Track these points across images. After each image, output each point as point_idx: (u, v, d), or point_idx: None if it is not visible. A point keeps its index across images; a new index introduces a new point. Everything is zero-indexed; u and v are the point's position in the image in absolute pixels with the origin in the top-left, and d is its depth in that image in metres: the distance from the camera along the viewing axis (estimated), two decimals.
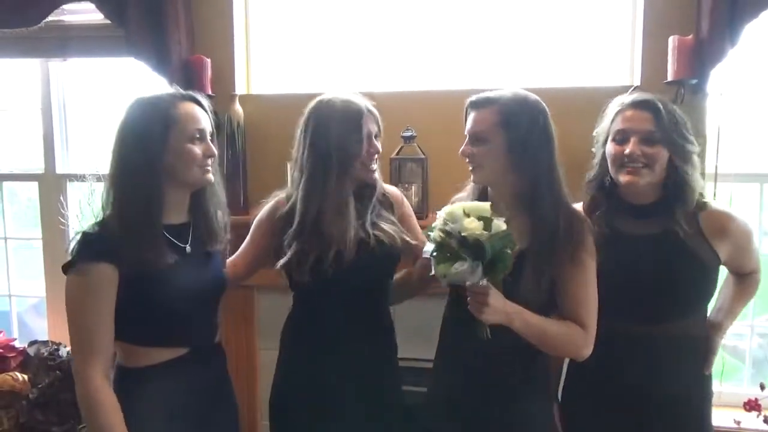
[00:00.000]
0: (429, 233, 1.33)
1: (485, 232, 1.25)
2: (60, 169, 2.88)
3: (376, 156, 1.58)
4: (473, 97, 1.49)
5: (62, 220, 2.74)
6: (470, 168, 1.49)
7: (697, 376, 1.55)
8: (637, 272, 1.49)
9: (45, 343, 2.75)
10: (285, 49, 2.69)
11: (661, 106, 1.48)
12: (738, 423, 2.16)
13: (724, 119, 2.25)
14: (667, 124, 1.46)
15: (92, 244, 1.33)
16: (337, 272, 1.53)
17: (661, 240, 1.50)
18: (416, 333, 1.89)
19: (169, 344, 1.43)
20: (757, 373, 2.56)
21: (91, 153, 2.90)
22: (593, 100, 1.76)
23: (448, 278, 1.29)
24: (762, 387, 2.13)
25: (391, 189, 1.76)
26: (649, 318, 1.50)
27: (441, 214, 1.33)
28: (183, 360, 1.44)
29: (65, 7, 2.53)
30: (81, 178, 2.66)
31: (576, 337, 1.38)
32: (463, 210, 1.30)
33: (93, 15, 2.54)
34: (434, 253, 1.31)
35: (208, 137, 1.46)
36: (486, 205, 1.31)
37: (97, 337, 1.32)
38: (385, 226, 1.60)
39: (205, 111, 1.47)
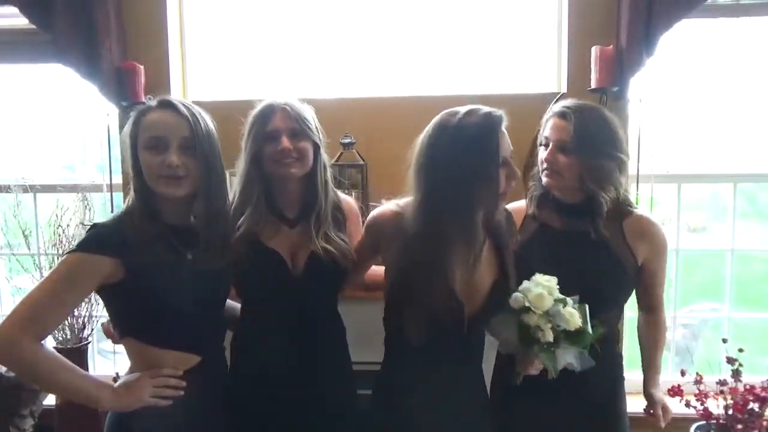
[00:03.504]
0: (526, 326, 1.43)
1: (579, 322, 1.41)
2: None
3: (287, 152, 1.52)
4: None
5: None
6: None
7: (612, 364, 1.66)
8: (560, 265, 1.57)
9: None
10: (222, 55, 2.67)
11: (577, 119, 1.55)
12: None
13: (643, 124, 2.40)
14: (580, 137, 1.54)
15: (100, 236, 1.34)
16: (285, 282, 1.55)
17: (582, 237, 1.59)
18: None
19: (174, 345, 1.41)
20: (681, 361, 2.73)
21: (16, 163, 2.78)
22: (523, 106, 1.84)
23: (553, 367, 1.42)
24: (683, 373, 2.26)
25: (348, 202, 1.74)
26: None
27: (528, 300, 1.42)
28: (195, 370, 1.43)
29: None
30: (6, 189, 2.55)
31: None
32: (546, 290, 1.42)
33: (17, 19, 2.44)
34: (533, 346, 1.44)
35: (173, 146, 1.34)
36: (554, 282, 1.44)
37: (44, 316, 1.30)
38: (338, 241, 1.60)
39: (184, 117, 1.36)
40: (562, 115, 1.59)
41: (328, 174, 1.64)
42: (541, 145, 1.64)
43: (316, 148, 1.59)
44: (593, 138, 1.55)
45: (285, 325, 1.58)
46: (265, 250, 1.56)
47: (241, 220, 1.56)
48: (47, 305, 1.30)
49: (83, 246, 1.33)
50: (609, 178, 1.56)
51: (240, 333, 1.67)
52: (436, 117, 1.41)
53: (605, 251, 1.58)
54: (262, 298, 1.61)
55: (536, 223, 1.66)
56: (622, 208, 1.62)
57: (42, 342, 1.31)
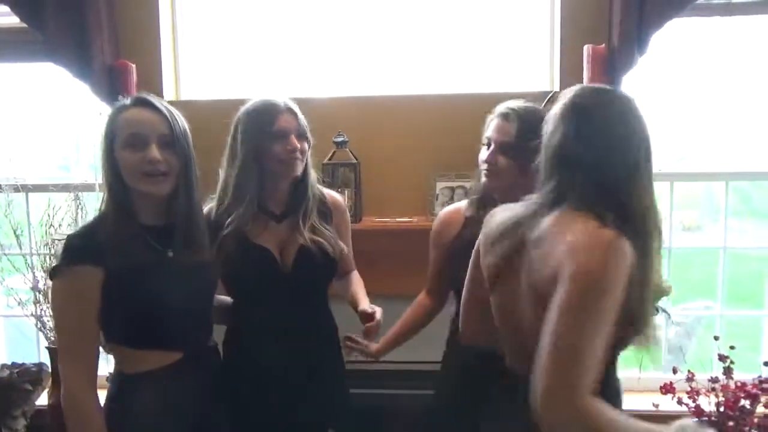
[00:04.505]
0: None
1: None
2: None
3: (296, 152, 1.56)
4: None
5: None
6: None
7: None
8: None
9: None
10: (216, 54, 2.66)
11: (520, 120, 1.54)
12: (656, 406, 2.30)
13: None
14: (524, 138, 1.45)
15: (75, 247, 1.34)
16: (276, 278, 1.56)
17: None
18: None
19: (159, 346, 1.41)
20: (674, 359, 2.74)
21: (8, 162, 2.76)
22: None
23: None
24: (675, 371, 2.27)
25: (333, 197, 1.76)
26: None
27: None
28: (178, 364, 1.43)
29: None
30: None
31: None
32: None
33: (8, 18, 2.43)
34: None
35: (153, 143, 1.34)
36: None
37: (80, 341, 1.33)
38: (324, 231, 1.62)
39: (162, 115, 1.37)
40: (502, 115, 1.59)
41: (313, 173, 1.68)
42: (483, 145, 1.64)
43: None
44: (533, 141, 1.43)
45: (276, 321, 1.59)
46: (254, 247, 1.57)
47: (231, 218, 1.56)
48: (75, 336, 1.33)
49: (65, 261, 1.32)
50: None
51: (231, 330, 1.67)
52: (583, 102, 1.19)
53: None
54: (253, 296, 1.61)
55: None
56: None
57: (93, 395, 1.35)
